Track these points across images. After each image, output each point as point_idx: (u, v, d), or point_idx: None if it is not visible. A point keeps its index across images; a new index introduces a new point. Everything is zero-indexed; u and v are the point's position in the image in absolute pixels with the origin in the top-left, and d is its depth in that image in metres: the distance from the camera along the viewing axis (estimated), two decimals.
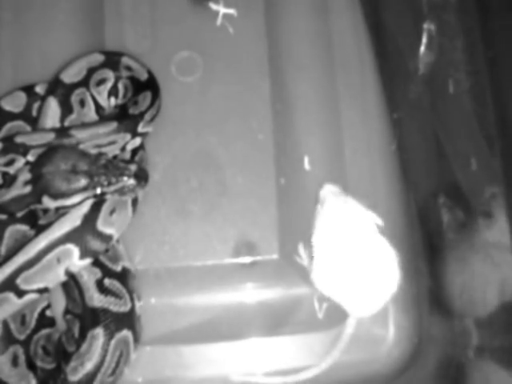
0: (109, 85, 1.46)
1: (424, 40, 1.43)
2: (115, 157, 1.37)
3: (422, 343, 1.44)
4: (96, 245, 1.30)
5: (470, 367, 1.35)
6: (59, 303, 1.40)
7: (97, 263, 1.33)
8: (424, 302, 1.48)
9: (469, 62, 1.42)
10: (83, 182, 1.25)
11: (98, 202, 1.30)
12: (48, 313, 1.39)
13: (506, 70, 1.34)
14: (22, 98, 1.45)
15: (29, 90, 1.46)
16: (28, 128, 1.43)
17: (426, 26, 1.43)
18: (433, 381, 1.41)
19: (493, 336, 1.33)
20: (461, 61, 1.43)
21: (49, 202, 1.26)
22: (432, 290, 1.47)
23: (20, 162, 1.33)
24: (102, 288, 1.32)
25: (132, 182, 1.26)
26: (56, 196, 1.25)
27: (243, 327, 1.46)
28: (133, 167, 1.27)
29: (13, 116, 1.44)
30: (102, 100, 1.46)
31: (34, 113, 1.44)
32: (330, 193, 1.43)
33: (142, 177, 1.28)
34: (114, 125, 1.35)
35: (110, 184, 1.26)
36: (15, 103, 1.45)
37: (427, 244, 1.50)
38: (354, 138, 1.53)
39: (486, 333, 1.33)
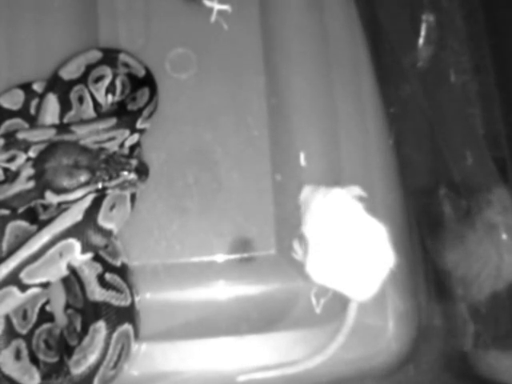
0: (107, 81, 1.46)
1: (422, 33, 1.43)
2: (114, 153, 1.36)
3: (422, 334, 1.45)
4: (97, 239, 1.31)
5: (473, 356, 1.35)
6: (58, 299, 1.41)
7: (97, 258, 1.34)
8: (422, 286, 1.49)
9: (470, 55, 1.42)
10: (85, 176, 1.26)
11: (99, 197, 1.31)
12: (48, 308, 1.39)
13: (510, 61, 1.35)
14: (19, 95, 1.45)
15: (26, 87, 1.46)
16: (26, 125, 1.43)
17: (424, 17, 1.43)
18: (435, 372, 1.42)
19: (494, 323, 1.34)
20: (461, 54, 1.43)
21: (52, 197, 1.27)
22: (429, 273, 1.48)
23: (21, 158, 1.33)
24: (103, 282, 1.33)
25: (133, 176, 1.27)
26: (59, 191, 1.26)
27: (240, 322, 1.47)
28: (133, 162, 1.28)
29: (11, 113, 1.44)
30: (100, 97, 1.46)
31: (32, 110, 1.44)
32: (309, 192, 1.44)
33: (142, 171, 1.28)
34: (113, 121, 1.35)
35: (111, 178, 1.27)
36: (13, 101, 1.45)
37: (424, 228, 1.51)
38: (350, 133, 1.54)
39: (486, 319, 1.34)
